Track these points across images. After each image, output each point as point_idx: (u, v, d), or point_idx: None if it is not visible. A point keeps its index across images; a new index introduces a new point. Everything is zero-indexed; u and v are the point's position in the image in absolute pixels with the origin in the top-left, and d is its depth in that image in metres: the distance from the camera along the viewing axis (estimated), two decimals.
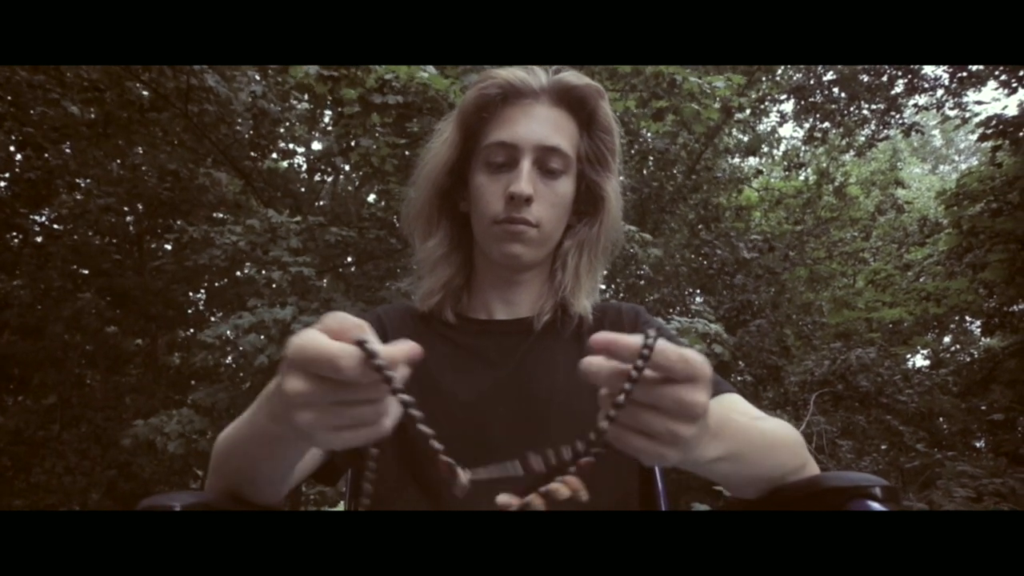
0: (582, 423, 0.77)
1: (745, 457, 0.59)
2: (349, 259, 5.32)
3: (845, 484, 0.65)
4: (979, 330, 8.46)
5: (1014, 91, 6.66)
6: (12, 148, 5.43)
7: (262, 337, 3.71)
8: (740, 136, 9.24)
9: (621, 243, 0.89)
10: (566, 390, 0.80)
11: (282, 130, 5.98)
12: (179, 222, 5.94)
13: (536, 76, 0.83)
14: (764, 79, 8.19)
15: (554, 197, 0.81)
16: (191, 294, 6.76)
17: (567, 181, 0.82)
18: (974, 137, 6.77)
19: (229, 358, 4.82)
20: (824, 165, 9.63)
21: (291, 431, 0.46)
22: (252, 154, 5.96)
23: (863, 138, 9.05)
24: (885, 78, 8.29)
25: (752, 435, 0.61)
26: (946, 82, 7.99)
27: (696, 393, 0.44)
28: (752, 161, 9.84)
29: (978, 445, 7.70)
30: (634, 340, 0.44)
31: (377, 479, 0.79)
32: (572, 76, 0.83)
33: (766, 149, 9.82)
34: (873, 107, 8.67)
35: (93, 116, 5.13)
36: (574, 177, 0.84)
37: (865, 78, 8.34)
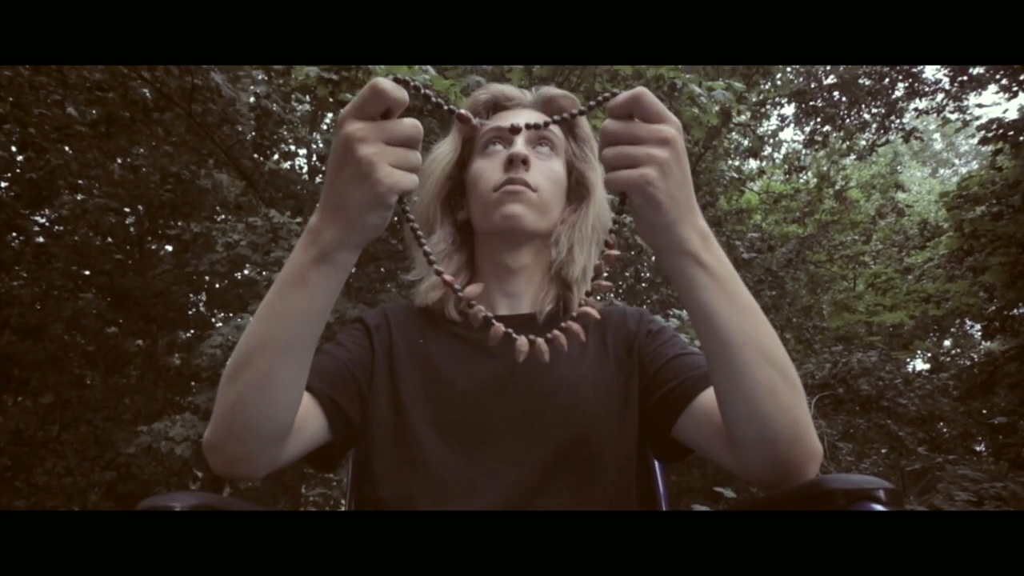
0: (584, 415, 0.78)
1: (729, 290, 0.62)
2: None
3: (848, 486, 0.65)
4: (980, 334, 8.46)
5: (1015, 95, 6.67)
6: (14, 148, 5.43)
7: None
8: (740, 139, 9.24)
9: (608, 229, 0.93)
10: (568, 383, 0.80)
11: (284, 131, 5.97)
12: (179, 223, 5.95)
13: (522, 92, 0.93)
14: (762, 83, 8.19)
15: (549, 171, 0.87)
16: (192, 295, 6.76)
17: (559, 163, 0.89)
18: (975, 141, 6.78)
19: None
20: (825, 168, 9.64)
21: (334, 243, 0.58)
22: (255, 156, 5.96)
23: (864, 142, 9.06)
24: (886, 81, 8.30)
25: (743, 289, 0.63)
26: (947, 86, 7.99)
27: (664, 126, 0.57)
28: (753, 164, 9.85)
29: (979, 449, 7.70)
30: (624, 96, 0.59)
31: (379, 460, 0.79)
32: (553, 89, 0.93)
33: (767, 151, 9.83)
34: (874, 111, 8.68)
35: (95, 116, 5.13)
36: (565, 164, 0.90)
37: (866, 82, 8.35)
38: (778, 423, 0.62)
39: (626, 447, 0.80)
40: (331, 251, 0.60)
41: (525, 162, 0.83)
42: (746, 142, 9.18)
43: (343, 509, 1.12)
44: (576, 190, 0.91)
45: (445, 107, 0.64)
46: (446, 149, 0.92)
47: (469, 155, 0.90)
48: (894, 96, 8.42)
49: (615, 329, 0.87)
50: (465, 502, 0.73)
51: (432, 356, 0.82)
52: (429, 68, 3.44)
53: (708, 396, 0.73)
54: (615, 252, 0.62)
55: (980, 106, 7.91)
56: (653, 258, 6.49)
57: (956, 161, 18.87)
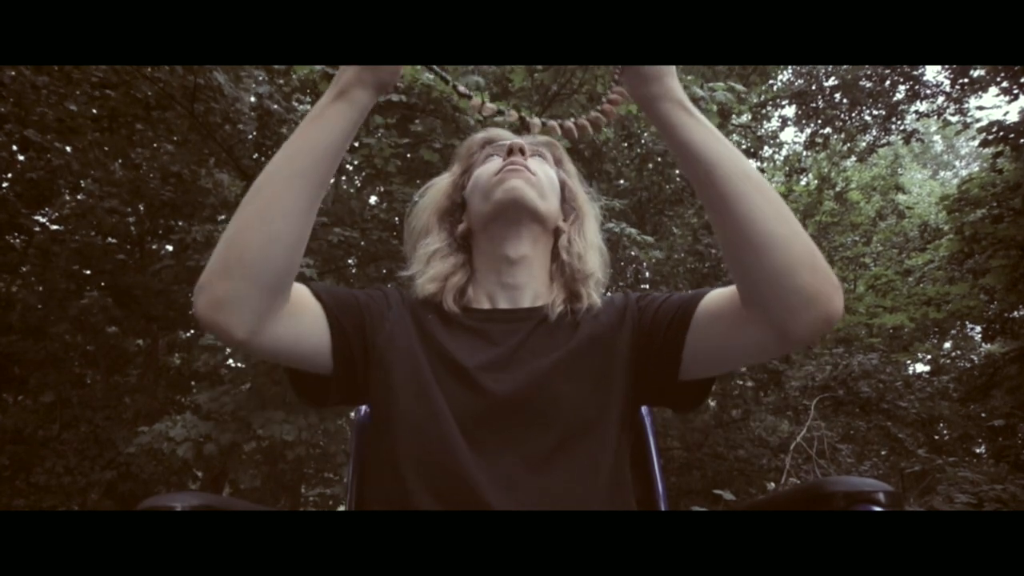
0: (577, 397, 0.79)
1: (715, 133, 0.71)
2: (351, 260, 5.32)
3: (849, 489, 0.65)
4: (980, 336, 8.46)
5: (1015, 98, 6.67)
6: (15, 148, 5.43)
7: None
8: (740, 140, 9.25)
9: (605, 251, 0.98)
10: (567, 364, 0.81)
11: (285, 131, 5.98)
12: (180, 223, 5.94)
13: (512, 135, 1.00)
14: (760, 84, 8.18)
15: (544, 169, 0.92)
16: (192, 296, 6.76)
17: (552, 171, 0.95)
18: (975, 143, 6.78)
19: (231, 360, 4.82)
20: (825, 170, 9.64)
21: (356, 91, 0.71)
22: (256, 156, 5.96)
23: (864, 144, 9.07)
24: (887, 83, 8.30)
25: (726, 140, 0.72)
26: (947, 88, 8.00)
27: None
28: (753, 164, 9.85)
29: (978, 451, 7.70)
30: None
31: (395, 399, 0.78)
32: (540, 136, 1.00)
33: (768, 152, 9.83)
34: (875, 113, 8.68)
35: (96, 112, 5.13)
36: (557, 174, 0.96)
37: (867, 84, 8.35)
38: (793, 248, 0.66)
39: (613, 425, 0.81)
40: (347, 88, 0.71)
41: (523, 151, 0.89)
42: (744, 144, 9.20)
43: (343, 505, 1.12)
44: (569, 203, 0.96)
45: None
46: (446, 175, 0.99)
47: (469, 177, 0.95)
48: (895, 98, 8.43)
49: (606, 311, 0.88)
50: (470, 475, 0.73)
51: (438, 334, 0.83)
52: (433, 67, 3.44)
53: (707, 303, 0.78)
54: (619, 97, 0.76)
55: (980, 108, 7.91)
56: (653, 260, 6.48)
57: (957, 163, 18.88)
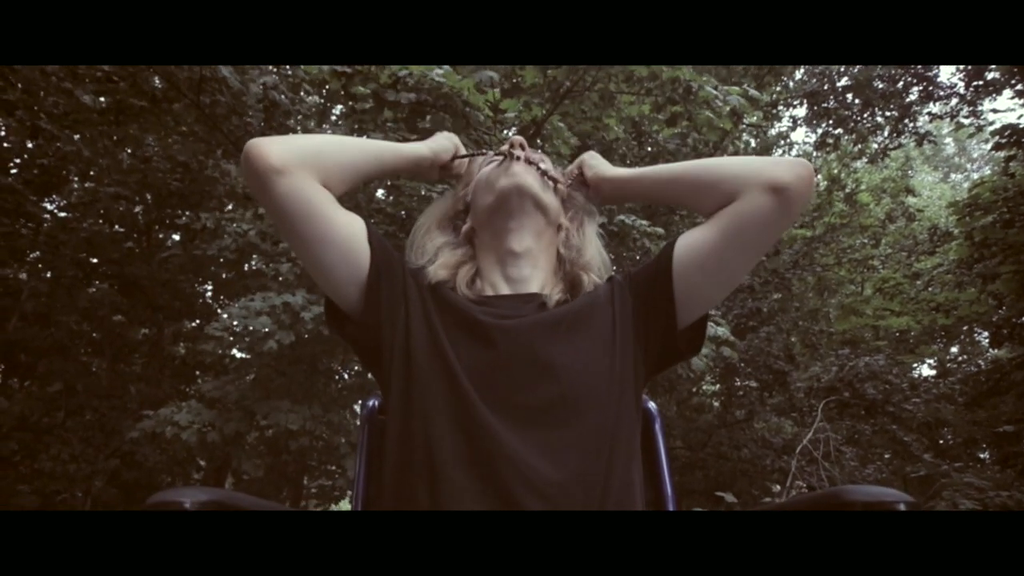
0: (580, 358, 0.82)
1: (640, 169, 0.96)
2: None
3: (868, 499, 0.64)
4: (987, 341, 8.40)
5: None
6: (24, 136, 5.44)
7: (273, 324, 3.73)
8: (751, 139, 9.20)
9: (605, 255, 1.02)
10: (566, 326, 0.84)
11: (292, 122, 5.97)
12: (188, 213, 5.95)
13: None
14: (774, 84, 8.12)
15: (542, 168, 0.97)
16: (198, 286, 6.78)
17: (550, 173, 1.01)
18: (987, 146, 6.73)
19: (235, 350, 4.83)
20: (836, 171, 9.59)
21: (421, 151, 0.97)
22: None
23: (876, 145, 9.01)
24: (900, 84, 8.24)
25: (650, 168, 0.96)
26: (961, 90, 7.93)
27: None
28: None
29: (982, 456, 7.66)
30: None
31: (412, 382, 0.81)
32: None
33: (778, 152, 9.78)
34: (887, 114, 8.62)
35: (104, 103, 5.14)
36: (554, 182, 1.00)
37: (880, 85, 8.30)
38: (737, 160, 0.85)
39: (617, 395, 0.82)
40: (414, 146, 0.95)
41: (523, 147, 0.94)
42: (753, 143, 9.15)
43: (347, 498, 1.12)
44: (569, 203, 1.01)
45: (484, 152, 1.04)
46: (447, 193, 1.06)
47: (471, 188, 1.00)
48: (908, 100, 8.36)
49: (602, 287, 0.91)
50: (485, 417, 0.76)
51: (450, 300, 0.86)
52: (445, 66, 3.43)
53: (686, 235, 0.87)
54: (573, 178, 1.02)
55: (995, 111, 7.83)
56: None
57: (968, 166, 18.75)
